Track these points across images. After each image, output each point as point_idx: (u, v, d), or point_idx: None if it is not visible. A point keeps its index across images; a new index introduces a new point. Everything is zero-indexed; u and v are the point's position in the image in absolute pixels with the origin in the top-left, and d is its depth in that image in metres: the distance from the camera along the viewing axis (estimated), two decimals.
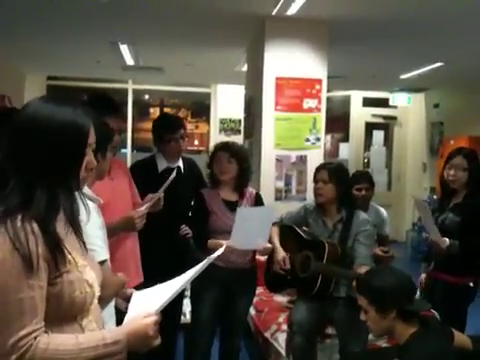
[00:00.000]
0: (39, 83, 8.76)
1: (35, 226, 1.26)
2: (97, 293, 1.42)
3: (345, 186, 3.20)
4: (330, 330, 3.24)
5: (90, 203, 1.97)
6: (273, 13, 4.40)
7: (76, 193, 1.40)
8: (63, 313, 1.32)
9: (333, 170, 3.17)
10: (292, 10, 4.27)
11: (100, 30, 5.31)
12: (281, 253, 3.19)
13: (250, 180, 3.23)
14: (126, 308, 1.55)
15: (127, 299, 1.67)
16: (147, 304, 1.44)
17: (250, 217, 2.87)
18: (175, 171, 2.82)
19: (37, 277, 1.24)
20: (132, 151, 9.23)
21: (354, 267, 2.97)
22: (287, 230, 3.34)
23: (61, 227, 1.34)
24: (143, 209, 2.48)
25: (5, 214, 1.26)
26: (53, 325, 1.30)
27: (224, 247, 1.57)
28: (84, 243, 1.44)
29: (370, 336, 2.94)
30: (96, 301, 1.43)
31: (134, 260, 2.64)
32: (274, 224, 3.30)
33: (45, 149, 1.31)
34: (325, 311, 3.11)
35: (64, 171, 1.34)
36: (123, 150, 8.98)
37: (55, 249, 1.28)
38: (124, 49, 6.04)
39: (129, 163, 8.73)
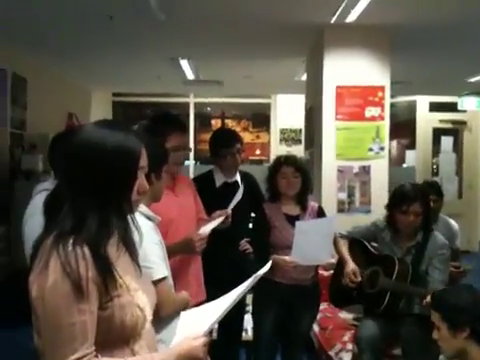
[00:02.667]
0: (105, 100, 9.09)
1: (86, 250, 1.26)
2: (149, 317, 1.40)
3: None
4: (397, 351, 3.09)
5: (148, 221, 1.98)
6: (332, 21, 4.32)
7: (128, 216, 1.39)
8: (114, 337, 1.31)
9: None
10: (351, 17, 4.17)
11: (160, 46, 5.42)
12: (351, 265, 3.07)
13: (311, 193, 3.15)
14: None
15: None
16: (196, 325, 1.41)
17: (310, 230, 2.80)
18: (242, 188, 2.78)
19: (87, 301, 1.24)
20: (195, 163, 9.32)
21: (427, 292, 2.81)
22: (355, 244, 3.23)
23: (113, 250, 1.34)
24: (206, 231, 2.44)
25: (58, 238, 1.27)
26: (104, 350, 1.29)
27: (270, 263, 1.54)
28: (139, 266, 1.43)
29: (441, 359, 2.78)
30: (148, 325, 1.41)
31: (197, 279, 2.61)
32: (342, 237, 3.21)
33: (97, 173, 1.32)
34: (393, 328, 2.97)
35: (116, 195, 1.34)
36: (185, 162, 9.08)
37: (106, 273, 1.28)
38: (184, 64, 6.15)
39: (191, 175, 8.90)
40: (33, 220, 2.23)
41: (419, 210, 2.93)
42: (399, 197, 3.03)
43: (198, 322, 1.43)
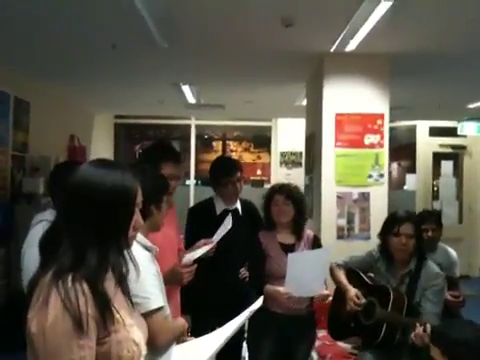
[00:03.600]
0: (108, 122, 9.19)
1: (85, 286, 1.28)
2: (144, 352, 1.41)
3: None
4: None
5: (146, 252, 2.00)
6: (331, 50, 4.36)
7: (125, 252, 1.42)
8: None
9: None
10: (351, 47, 4.22)
11: (162, 72, 5.47)
12: (352, 290, 3.05)
13: (306, 221, 3.16)
14: None
15: None
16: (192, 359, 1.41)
17: (303, 262, 2.81)
18: (230, 218, 2.80)
19: (87, 337, 1.25)
20: (196, 183, 9.33)
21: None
22: (351, 274, 3.22)
23: (110, 285, 1.36)
24: (191, 260, 2.44)
25: (57, 274, 1.29)
26: None
27: (261, 298, 1.56)
28: (131, 301, 1.45)
29: None
30: None
31: (176, 309, 2.60)
32: (338, 266, 3.20)
33: (96, 211, 1.34)
34: (392, 358, 2.95)
35: (114, 232, 1.37)
36: (186, 182, 9.12)
37: (104, 309, 1.29)
38: (186, 89, 6.21)
39: (192, 195, 8.91)
40: (31, 251, 2.25)
41: (410, 232, 2.92)
42: (390, 220, 3.06)
43: (194, 357, 1.43)
